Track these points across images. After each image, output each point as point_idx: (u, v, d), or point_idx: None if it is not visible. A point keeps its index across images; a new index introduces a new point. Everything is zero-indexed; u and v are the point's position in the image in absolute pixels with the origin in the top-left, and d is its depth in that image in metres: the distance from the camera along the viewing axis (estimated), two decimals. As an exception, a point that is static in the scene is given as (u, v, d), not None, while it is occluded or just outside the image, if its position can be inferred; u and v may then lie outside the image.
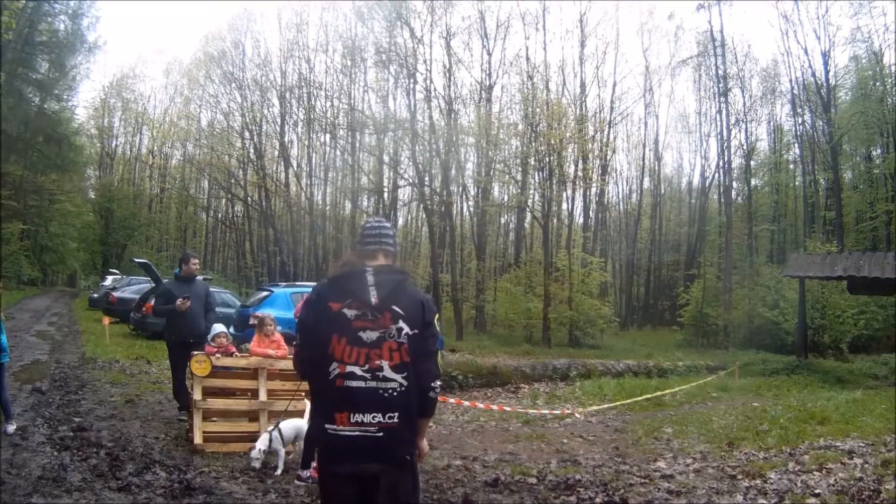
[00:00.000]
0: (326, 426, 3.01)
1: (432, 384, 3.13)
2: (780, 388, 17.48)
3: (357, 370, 3.00)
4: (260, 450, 6.77)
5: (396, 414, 3.00)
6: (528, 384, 14.80)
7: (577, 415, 11.25)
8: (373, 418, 2.97)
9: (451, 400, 11.14)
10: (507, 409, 11.23)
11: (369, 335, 3.03)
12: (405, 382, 3.04)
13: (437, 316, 3.22)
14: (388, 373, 3.01)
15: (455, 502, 6.29)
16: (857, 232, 40.28)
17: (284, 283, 17.64)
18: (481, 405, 11.16)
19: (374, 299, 3.03)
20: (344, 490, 3.05)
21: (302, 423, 6.93)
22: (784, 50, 46.17)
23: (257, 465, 6.76)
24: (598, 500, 6.64)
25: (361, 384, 2.99)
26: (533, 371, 15.45)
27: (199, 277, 9.92)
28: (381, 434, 2.97)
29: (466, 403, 11.05)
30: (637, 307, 50.13)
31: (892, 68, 40.19)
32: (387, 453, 3.00)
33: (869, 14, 40.27)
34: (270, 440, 6.84)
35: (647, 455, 8.64)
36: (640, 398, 12.73)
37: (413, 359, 3.07)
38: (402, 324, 3.05)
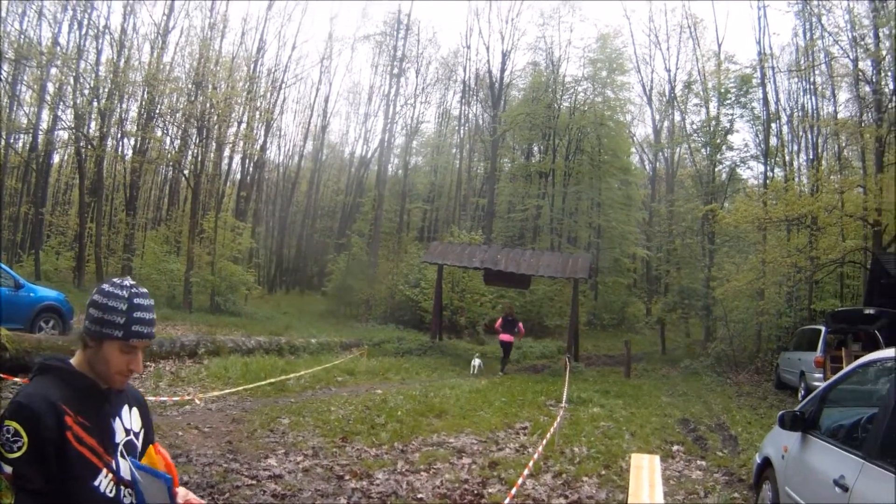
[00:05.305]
0: None
1: None
2: (410, 371, 18.60)
3: None
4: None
5: None
6: (155, 362, 14.09)
7: (198, 401, 11.04)
8: None
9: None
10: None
11: None
12: None
13: None
14: None
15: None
16: (507, 220, 44.27)
17: None
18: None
19: None
20: None
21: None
22: (465, 44, 49.29)
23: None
24: (203, 505, 6.54)
25: None
26: (160, 348, 14.69)
27: None
28: None
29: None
30: (288, 269, 50.48)
31: (565, 78, 44.95)
32: None
33: (556, 27, 44.52)
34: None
35: (259, 451, 8.78)
36: (263, 382, 12.81)
37: None
38: None
